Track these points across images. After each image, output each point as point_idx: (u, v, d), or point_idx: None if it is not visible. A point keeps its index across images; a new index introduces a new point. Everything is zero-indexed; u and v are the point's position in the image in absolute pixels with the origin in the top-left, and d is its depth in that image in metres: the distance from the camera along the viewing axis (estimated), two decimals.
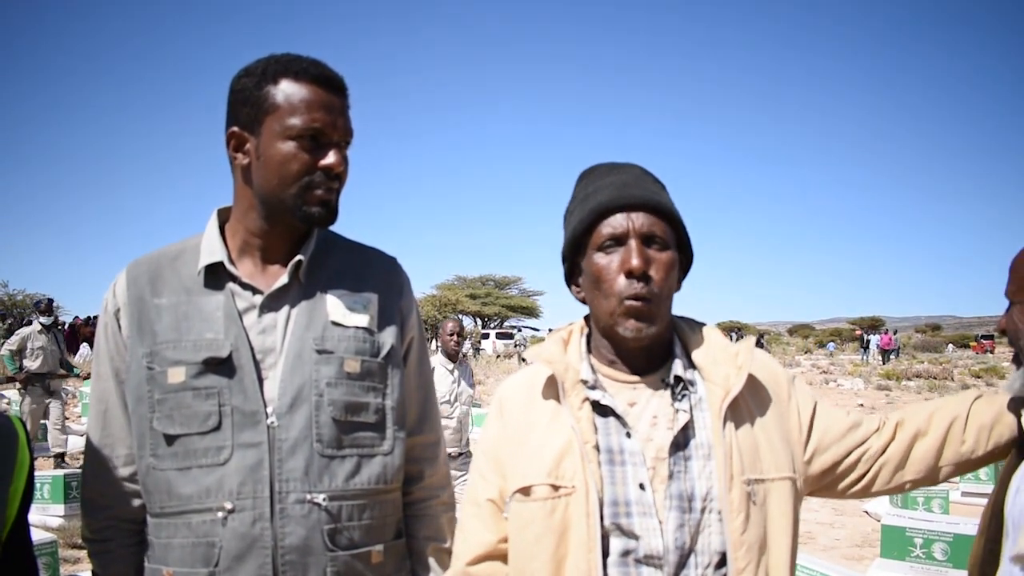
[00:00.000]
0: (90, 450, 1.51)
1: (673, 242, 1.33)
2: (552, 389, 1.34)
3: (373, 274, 1.56)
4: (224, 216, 1.54)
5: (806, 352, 47.30)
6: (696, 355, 1.36)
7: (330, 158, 1.41)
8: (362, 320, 1.49)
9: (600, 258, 1.31)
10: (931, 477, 1.45)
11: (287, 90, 1.40)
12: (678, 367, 1.33)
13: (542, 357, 1.36)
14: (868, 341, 42.43)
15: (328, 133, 1.42)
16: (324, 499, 1.39)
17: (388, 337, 1.52)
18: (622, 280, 1.28)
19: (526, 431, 1.34)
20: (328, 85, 1.43)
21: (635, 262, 1.26)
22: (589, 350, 1.40)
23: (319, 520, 1.38)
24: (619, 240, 1.30)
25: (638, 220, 1.29)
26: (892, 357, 38.13)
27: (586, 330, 1.42)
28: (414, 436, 1.58)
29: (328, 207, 1.44)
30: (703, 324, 1.44)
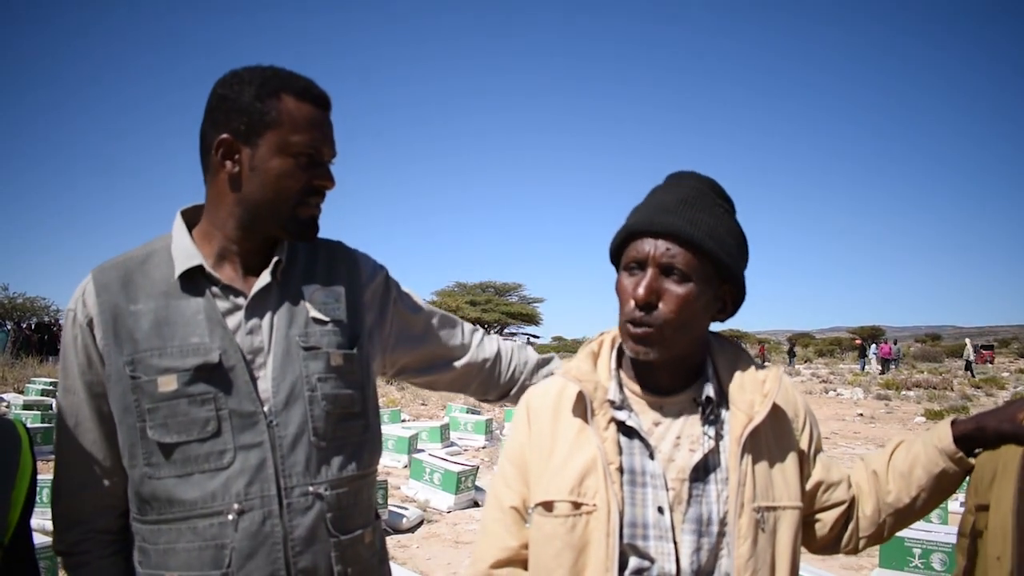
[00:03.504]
0: (61, 464, 1.49)
1: (703, 274, 1.30)
2: (580, 406, 1.37)
3: (337, 266, 1.60)
4: (188, 217, 1.54)
5: (806, 361, 47.23)
6: (724, 377, 1.39)
7: (326, 178, 1.48)
8: (337, 314, 1.53)
9: (624, 277, 1.35)
10: (877, 534, 1.48)
11: (289, 107, 1.44)
12: (709, 389, 1.35)
13: (572, 375, 1.38)
14: (868, 350, 42.43)
15: (323, 153, 1.48)
16: (325, 489, 1.43)
17: (359, 327, 1.57)
18: (630, 304, 1.31)
19: (551, 444, 1.37)
20: (324, 106, 1.49)
21: (640, 291, 1.29)
22: (620, 364, 1.42)
23: (322, 509, 1.43)
24: (641, 265, 1.32)
25: (660, 248, 1.30)
26: (892, 367, 38.09)
27: (619, 341, 1.44)
28: None
29: (315, 224, 1.51)
30: (736, 345, 1.46)
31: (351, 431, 1.50)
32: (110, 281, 1.46)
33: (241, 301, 1.46)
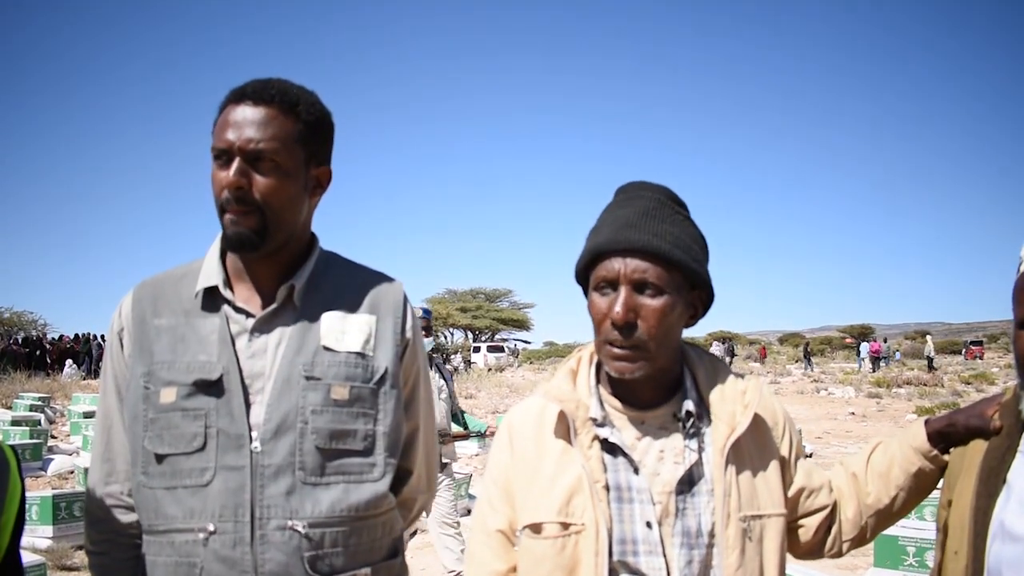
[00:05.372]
0: (94, 463, 1.55)
1: (674, 285, 1.30)
2: (563, 426, 1.35)
3: (372, 296, 1.54)
4: None
5: (796, 361, 47.41)
6: (704, 389, 1.39)
7: (222, 173, 1.42)
8: (355, 344, 1.47)
9: (596, 298, 1.33)
10: (860, 536, 1.50)
11: (218, 116, 1.46)
12: (689, 403, 1.35)
13: (552, 395, 1.37)
14: (862, 349, 42.74)
15: (230, 150, 1.41)
16: (304, 526, 1.37)
17: (383, 361, 1.49)
18: (608, 325, 1.30)
19: (536, 464, 1.36)
20: (244, 99, 1.43)
21: (617, 312, 1.27)
22: (599, 379, 1.41)
23: (300, 547, 1.36)
24: (612, 284, 1.30)
25: (630, 265, 1.28)
26: (883, 364, 38.29)
27: (596, 357, 1.42)
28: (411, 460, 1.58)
29: (238, 226, 1.42)
30: (713, 356, 1.47)
31: (350, 469, 1.42)
32: (144, 295, 1.53)
33: (250, 323, 1.46)
